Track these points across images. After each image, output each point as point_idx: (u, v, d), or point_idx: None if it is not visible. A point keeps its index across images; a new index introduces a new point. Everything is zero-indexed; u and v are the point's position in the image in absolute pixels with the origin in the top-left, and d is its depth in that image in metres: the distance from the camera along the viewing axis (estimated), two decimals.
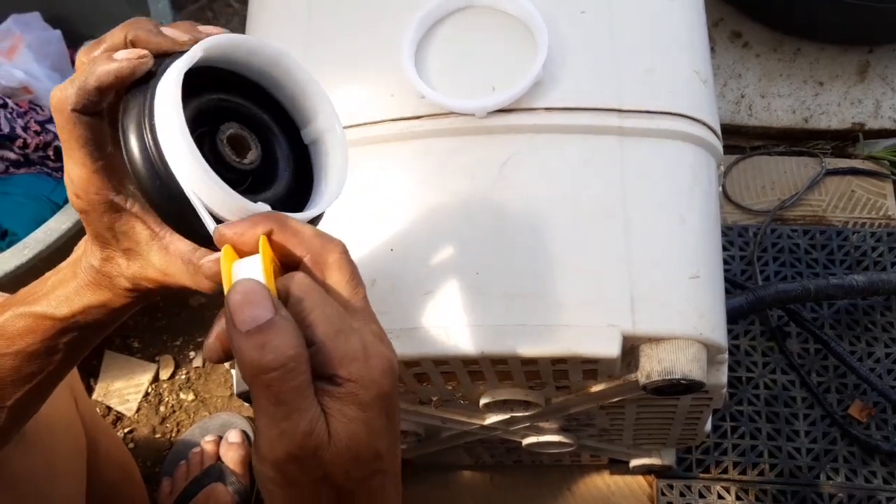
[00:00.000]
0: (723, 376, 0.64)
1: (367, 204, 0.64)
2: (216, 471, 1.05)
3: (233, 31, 0.44)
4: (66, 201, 1.13)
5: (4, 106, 1.13)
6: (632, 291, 0.59)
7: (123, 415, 1.16)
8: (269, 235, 0.39)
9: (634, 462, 0.97)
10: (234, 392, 0.63)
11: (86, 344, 0.51)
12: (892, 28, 1.24)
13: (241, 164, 0.43)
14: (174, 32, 0.42)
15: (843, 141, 1.27)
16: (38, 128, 1.15)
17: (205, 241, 0.41)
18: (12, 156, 1.14)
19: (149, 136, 0.40)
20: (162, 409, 1.17)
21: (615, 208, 0.61)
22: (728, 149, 1.23)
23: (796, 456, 1.05)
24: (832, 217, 1.20)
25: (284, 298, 0.37)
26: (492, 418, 0.77)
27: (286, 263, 0.40)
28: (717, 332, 0.60)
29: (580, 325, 0.58)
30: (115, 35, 0.43)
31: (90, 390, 1.18)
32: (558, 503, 1.06)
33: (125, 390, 1.17)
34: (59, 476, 0.68)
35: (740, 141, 1.28)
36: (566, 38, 0.66)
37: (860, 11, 1.19)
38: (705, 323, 0.59)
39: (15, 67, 1.16)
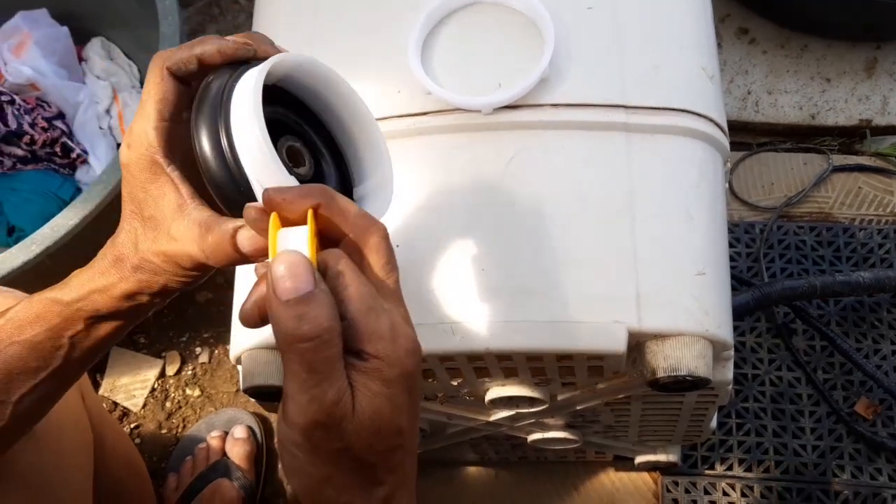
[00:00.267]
0: (728, 373, 0.64)
1: None
2: (222, 466, 1.05)
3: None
4: (72, 198, 1.13)
5: (12, 102, 1.13)
6: (638, 288, 0.59)
7: (130, 410, 1.17)
8: (315, 208, 0.40)
9: (639, 459, 0.97)
10: (240, 388, 0.64)
11: (88, 348, 0.50)
12: None
13: (296, 174, 0.44)
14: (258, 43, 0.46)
15: (850, 137, 1.27)
16: (45, 124, 1.15)
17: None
18: (20, 152, 1.14)
19: (222, 121, 0.42)
20: (168, 404, 1.17)
21: (621, 205, 0.61)
22: (735, 145, 1.23)
23: (802, 453, 1.05)
24: (839, 214, 1.20)
25: (322, 272, 0.39)
26: (497, 414, 0.77)
27: (327, 238, 0.41)
28: (722, 328, 0.60)
29: (586, 321, 0.58)
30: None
31: (96, 386, 1.18)
32: (563, 500, 1.07)
33: (131, 386, 1.18)
34: (67, 471, 0.68)
35: (747, 137, 1.28)
36: (572, 34, 0.65)
37: (867, 7, 1.18)
38: (711, 320, 0.59)
39: (23, 64, 1.16)
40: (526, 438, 0.84)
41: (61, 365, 0.50)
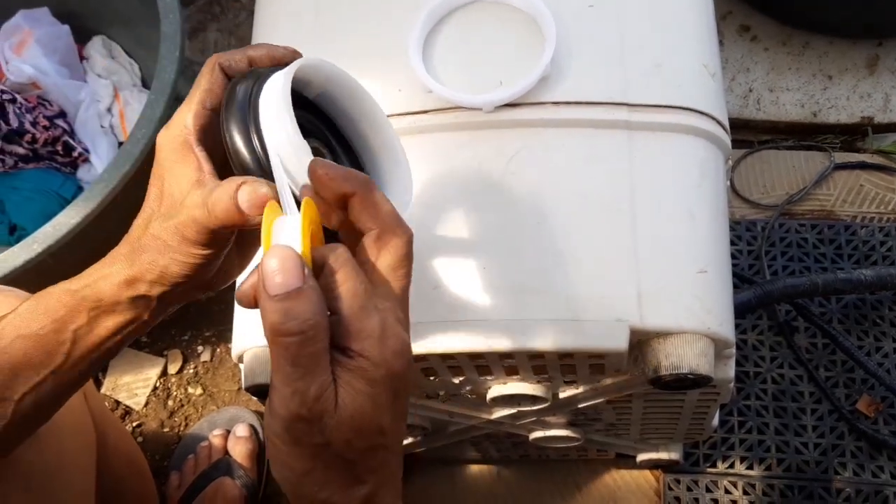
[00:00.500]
0: (730, 371, 0.64)
1: None
2: (224, 464, 1.05)
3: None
4: (74, 196, 1.14)
5: (13, 101, 1.13)
6: (639, 286, 0.59)
7: (132, 409, 1.17)
8: (351, 196, 0.41)
9: (641, 457, 0.97)
10: (242, 386, 0.64)
11: (89, 347, 0.50)
12: None
13: None
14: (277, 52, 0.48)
15: (851, 135, 1.27)
16: (46, 123, 1.15)
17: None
18: (21, 151, 1.14)
19: (251, 116, 0.43)
20: (170, 403, 1.17)
21: (623, 203, 0.61)
22: (736, 143, 1.22)
23: (804, 451, 1.05)
24: (840, 211, 1.20)
25: (320, 266, 0.39)
26: (499, 413, 0.77)
27: (355, 228, 0.42)
28: (724, 326, 0.60)
29: (588, 319, 0.58)
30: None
31: (99, 384, 1.18)
32: (565, 498, 1.07)
33: (133, 384, 1.18)
34: (69, 470, 0.68)
35: (748, 135, 1.28)
36: (573, 32, 0.65)
37: (869, 4, 1.18)
38: (713, 318, 0.59)
39: (24, 63, 1.16)
40: (527, 437, 0.84)
41: (62, 363, 0.50)
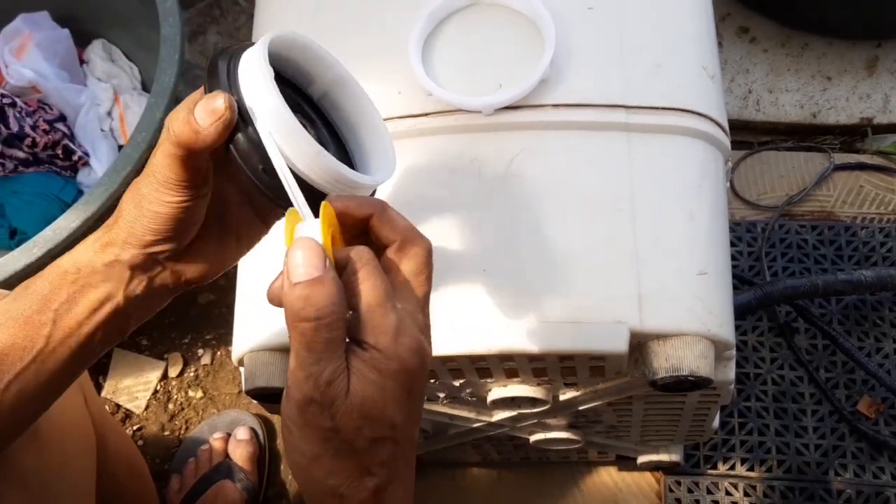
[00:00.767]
0: (730, 372, 0.64)
1: None
2: (225, 468, 1.05)
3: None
4: (74, 200, 1.14)
5: (13, 105, 1.13)
6: (639, 288, 0.59)
7: (132, 412, 1.17)
8: (370, 218, 0.44)
9: (642, 459, 0.97)
10: (243, 389, 0.63)
11: (69, 331, 0.49)
12: None
13: None
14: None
15: (851, 136, 1.27)
16: (46, 126, 1.15)
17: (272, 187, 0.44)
18: (21, 155, 1.15)
19: (234, 93, 0.43)
20: (171, 406, 1.17)
21: (623, 204, 0.61)
22: (736, 144, 1.22)
23: (804, 452, 1.05)
24: (840, 212, 1.20)
25: (344, 264, 0.41)
26: (499, 415, 0.77)
27: (378, 245, 0.44)
28: (724, 328, 0.60)
29: (588, 321, 0.58)
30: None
31: (99, 388, 1.18)
32: (566, 500, 1.06)
33: (134, 388, 1.18)
34: (69, 474, 0.68)
35: (748, 136, 1.28)
36: (573, 34, 0.65)
37: (868, 5, 1.18)
38: (713, 319, 0.59)
39: (24, 66, 1.16)
40: (528, 439, 0.84)
41: (43, 347, 0.48)
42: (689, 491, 1.04)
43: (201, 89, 0.45)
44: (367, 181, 0.46)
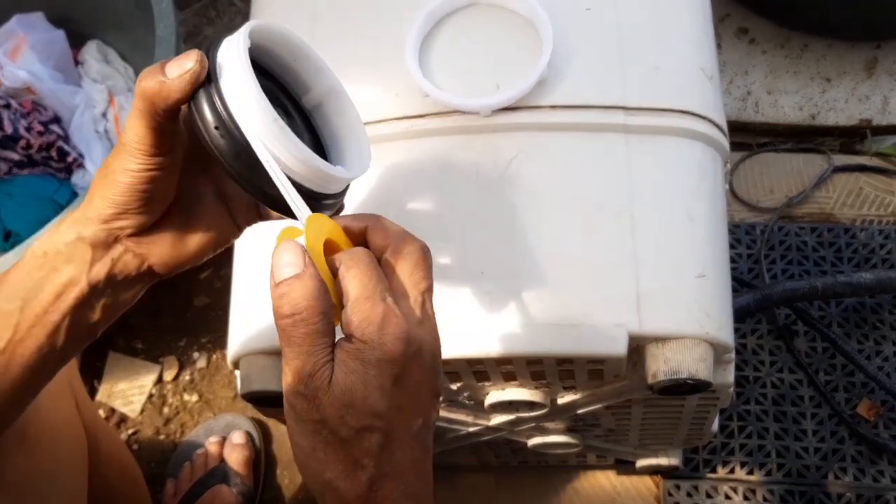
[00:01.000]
0: (730, 375, 0.64)
1: (370, 203, 0.63)
2: (220, 472, 1.04)
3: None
4: (69, 202, 1.13)
5: (8, 107, 1.13)
6: (638, 290, 0.58)
7: (127, 416, 1.16)
8: (365, 229, 0.46)
9: (641, 462, 0.97)
10: (238, 393, 0.63)
11: (33, 321, 0.47)
12: None
13: None
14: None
15: (850, 137, 1.26)
16: (41, 128, 1.14)
17: (268, 195, 0.44)
18: (15, 157, 1.14)
19: (214, 90, 0.43)
20: (166, 410, 1.16)
21: (621, 206, 0.60)
22: (735, 146, 1.23)
23: (804, 455, 1.05)
24: (840, 214, 1.20)
25: (339, 265, 0.43)
26: (497, 419, 0.77)
27: (378, 255, 0.45)
28: (723, 331, 0.59)
29: (586, 324, 0.58)
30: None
31: (94, 392, 1.18)
32: None
33: (129, 391, 1.17)
34: (61, 479, 0.67)
35: (747, 138, 1.28)
36: (571, 35, 0.65)
37: (867, 6, 1.18)
38: (712, 322, 0.58)
39: (18, 68, 1.16)
40: (526, 443, 0.84)
41: (12, 337, 0.47)
42: (689, 495, 1.03)
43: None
44: (343, 174, 0.46)
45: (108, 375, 1.18)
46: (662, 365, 0.58)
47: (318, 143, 0.50)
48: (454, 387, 0.68)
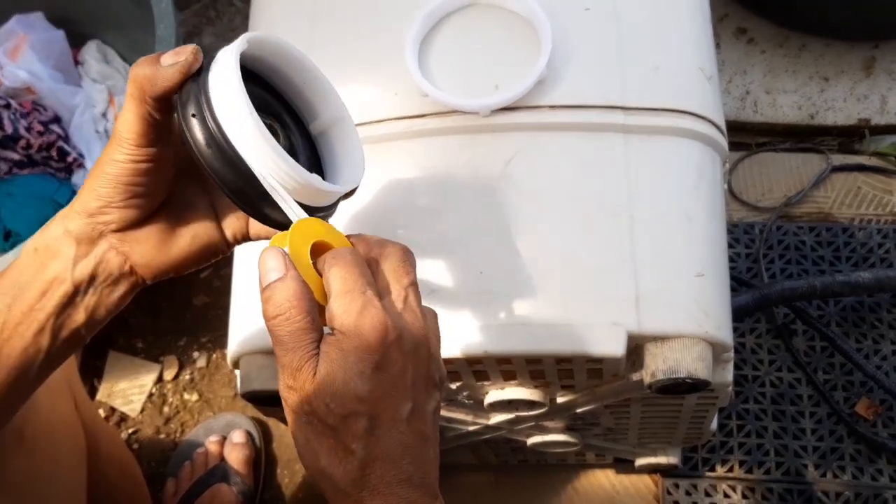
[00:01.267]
0: (728, 375, 0.64)
1: (370, 203, 0.64)
2: (220, 471, 1.04)
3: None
4: (69, 202, 1.13)
5: (8, 107, 1.13)
6: (637, 290, 0.58)
7: (127, 415, 1.16)
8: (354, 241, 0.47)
9: (640, 461, 0.97)
10: (238, 392, 0.63)
11: (20, 318, 0.47)
12: None
13: None
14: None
15: (849, 137, 1.27)
16: (41, 128, 1.14)
17: (265, 215, 0.46)
18: (16, 156, 1.14)
19: (205, 103, 0.43)
20: (166, 409, 1.16)
21: (620, 206, 0.61)
22: (733, 145, 1.22)
23: (802, 454, 1.05)
24: (838, 214, 1.20)
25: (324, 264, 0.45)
26: (496, 418, 0.77)
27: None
28: (722, 330, 0.59)
29: (585, 323, 0.58)
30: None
31: (94, 391, 1.18)
32: (563, 503, 1.06)
33: (129, 391, 1.17)
34: (60, 479, 0.67)
35: (745, 137, 1.28)
36: (570, 35, 0.65)
37: (866, 6, 1.18)
38: (711, 321, 0.59)
39: (18, 68, 1.16)
40: (525, 442, 0.84)
41: (2, 336, 0.48)
42: (687, 493, 1.04)
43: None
44: (333, 189, 0.47)
45: (108, 375, 1.18)
46: (661, 364, 0.58)
47: (315, 157, 0.50)
48: (454, 386, 0.68)
